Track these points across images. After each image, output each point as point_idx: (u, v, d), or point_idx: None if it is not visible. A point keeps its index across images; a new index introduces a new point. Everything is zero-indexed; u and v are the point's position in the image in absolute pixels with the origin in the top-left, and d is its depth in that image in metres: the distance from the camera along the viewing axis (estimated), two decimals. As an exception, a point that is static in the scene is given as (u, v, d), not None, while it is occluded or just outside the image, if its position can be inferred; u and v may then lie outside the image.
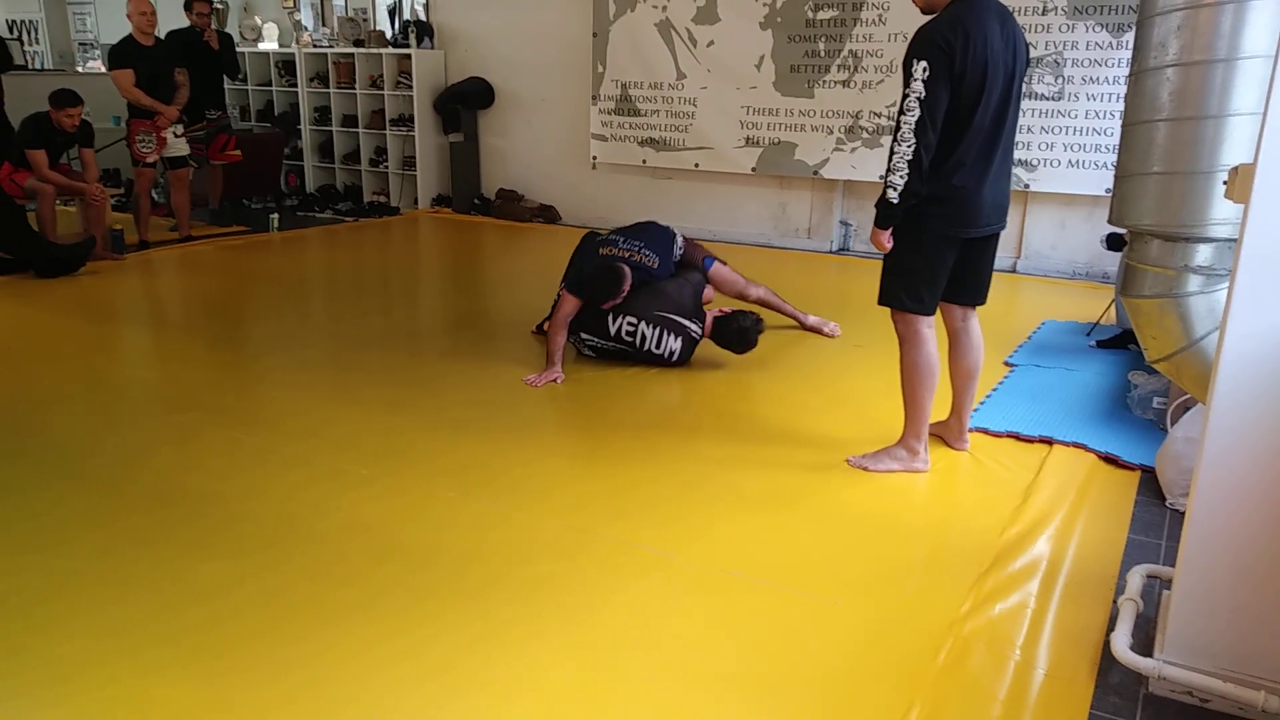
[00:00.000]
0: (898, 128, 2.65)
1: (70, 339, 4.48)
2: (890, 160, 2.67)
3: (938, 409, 3.09)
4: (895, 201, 2.69)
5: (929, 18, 2.71)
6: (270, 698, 1.89)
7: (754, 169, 7.01)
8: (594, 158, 7.76)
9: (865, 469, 3.02)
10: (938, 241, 2.81)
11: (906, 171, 2.64)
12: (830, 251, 6.92)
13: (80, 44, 10.55)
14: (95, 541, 2.50)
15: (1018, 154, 5.53)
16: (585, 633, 2.12)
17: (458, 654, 2.03)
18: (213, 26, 7.07)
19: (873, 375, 3.98)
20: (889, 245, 2.85)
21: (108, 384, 3.87)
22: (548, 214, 8.07)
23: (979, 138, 2.69)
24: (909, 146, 2.63)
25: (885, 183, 2.70)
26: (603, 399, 3.72)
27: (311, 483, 2.88)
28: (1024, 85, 2.84)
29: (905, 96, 2.62)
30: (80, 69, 10.05)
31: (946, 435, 3.21)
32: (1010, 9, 2.78)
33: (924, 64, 2.59)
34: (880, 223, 2.79)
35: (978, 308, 3.05)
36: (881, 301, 2.96)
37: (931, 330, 2.92)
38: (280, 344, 4.50)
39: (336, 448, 3.13)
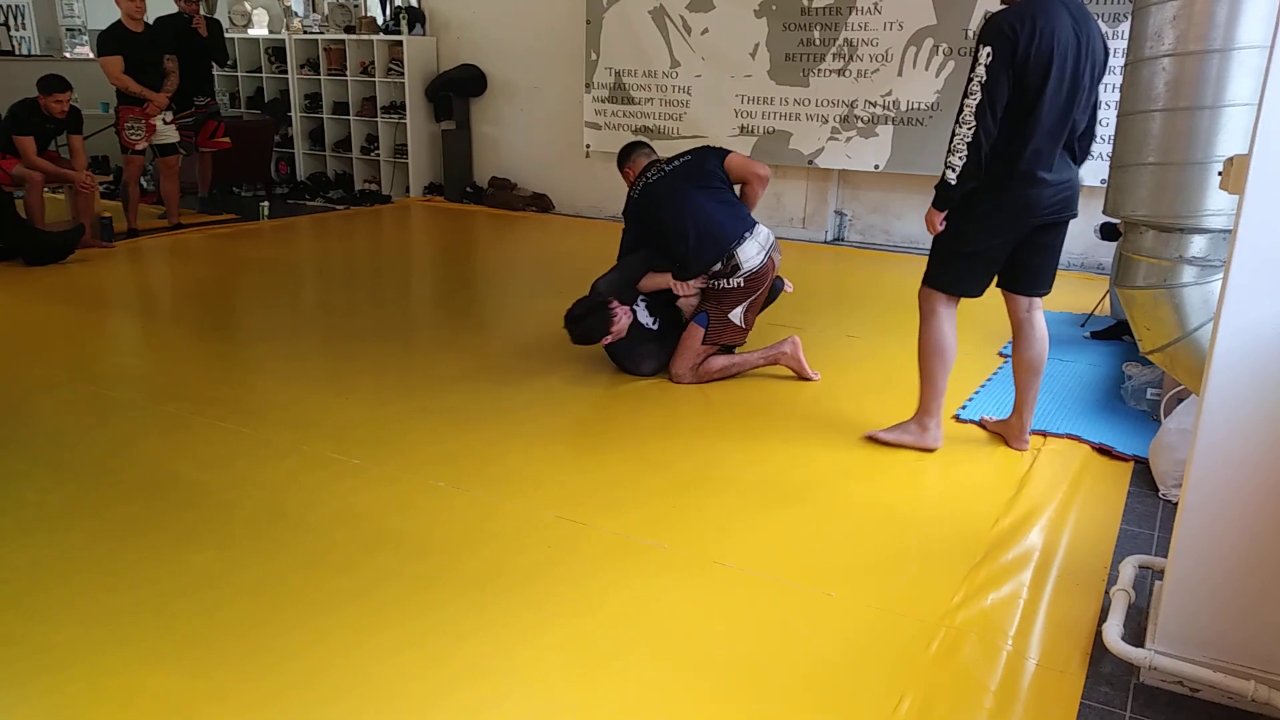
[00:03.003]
0: (960, 110, 2.70)
1: (58, 328, 4.45)
2: (951, 142, 2.71)
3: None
4: (954, 183, 2.72)
5: (1003, 7, 2.75)
6: (264, 688, 1.88)
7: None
8: (588, 146, 7.72)
9: (877, 439, 3.11)
10: (994, 228, 2.83)
11: (966, 153, 2.69)
12: (825, 241, 6.91)
13: (68, 29, 10.44)
14: (86, 530, 2.49)
15: None
16: (580, 623, 2.12)
17: (454, 645, 2.02)
18: (201, 12, 7.01)
19: (865, 367, 3.99)
20: (941, 227, 2.88)
21: (97, 373, 3.85)
22: (541, 203, 8.04)
23: (1045, 127, 2.71)
24: (969, 129, 2.67)
25: (945, 164, 2.74)
26: (596, 392, 3.71)
27: (303, 472, 2.87)
28: (1104, 80, 2.89)
29: (969, 80, 2.68)
30: (68, 55, 9.95)
31: (1006, 434, 3.17)
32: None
33: (988, 49, 2.64)
34: (938, 204, 2.82)
35: (1044, 297, 3.07)
36: (927, 280, 2.99)
37: (948, 311, 2.97)
38: (271, 333, 4.47)
39: (328, 437, 3.12)
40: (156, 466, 2.90)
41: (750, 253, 3.63)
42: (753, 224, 3.72)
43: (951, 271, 2.92)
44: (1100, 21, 5.48)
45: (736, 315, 3.67)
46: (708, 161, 3.86)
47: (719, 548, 2.46)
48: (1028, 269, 2.96)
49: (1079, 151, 2.89)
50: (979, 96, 2.65)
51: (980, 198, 2.78)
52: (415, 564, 2.34)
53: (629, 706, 1.85)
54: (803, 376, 3.77)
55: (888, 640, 2.08)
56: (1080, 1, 2.78)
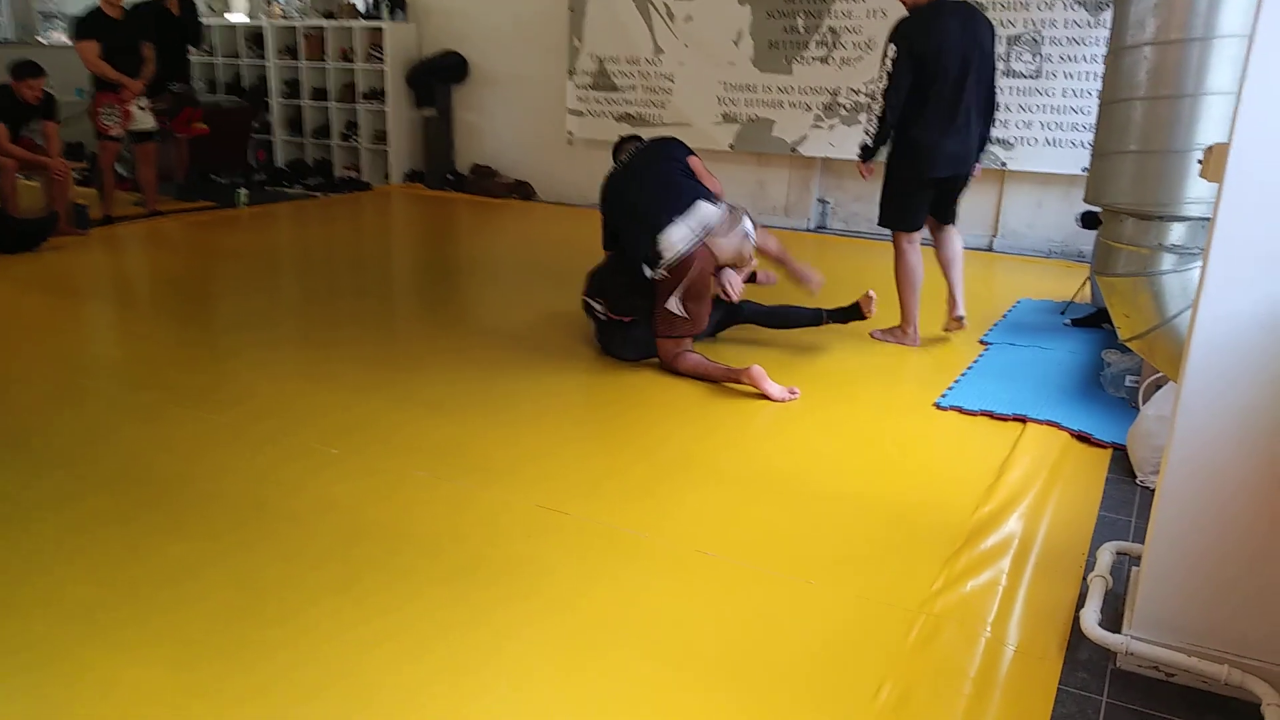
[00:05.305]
0: (876, 93, 3.74)
1: (32, 316, 4.39)
2: (869, 115, 3.79)
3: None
4: (870, 145, 3.82)
5: (906, 15, 3.74)
6: (243, 681, 1.86)
7: (731, 146, 6.97)
8: (570, 133, 7.69)
9: (875, 337, 4.09)
10: (910, 181, 3.87)
11: (876, 125, 3.75)
12: (808, 229, 6.91)
13: (42, 14, 10.26)
14: (61, 523, 2.46)
15: (994, 131, 5.86)
16: (562, 613, 2.11)
17: (435, 637, 2.01)
18: None
19: (848, 356, 3.99)
20: (868, 176, 3.99)
21: (71, 362, 3.80)
22: (522, 190, 8.00)
23: (939, 104, 3.70)
24: (879, 106, 3.72)
25: (864, 132, 3.83)
26: (577, 382, 3.70)
27: (282, 462, 2.84)
28: (1001, 64, 3.71)
29: (881, 70, 3.69)
30: (43, 40, 9.79)
31: (949, 308, 4.11)
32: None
33: (894, 47, 3.64)
34: (861, 159, 3.91)
35: (952, 226, 4.13)
36: (879, 222, 4.04)
37: (912, 245, 3.96)
38: (249, 322, 4.43)
39: (307, 427, 3.09)
40: (133, 457, 2.87)
41: (673, 239, 3.48)
42: (687, 204, 3.54)
43: (893, 212, 3.94)
44: (1081, 9, 5.61)
45: (673, 305, 3.52)
46: (669, 148, 3.89)
47: (700, 537, 2.45)
48: (941, 207, 4.02)
49: (984, 123, 3.89)
50: (885, 83, 3.66)
51: (902, 160, 3.83)
52: (396, 555, 2.33)
53: (611, 697, 1.85)
54: (769, 398, 3.40)
55: (868, 628, 2.09)
56: (967, 5, 3.77)
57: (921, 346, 4.08)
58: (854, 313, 3.86)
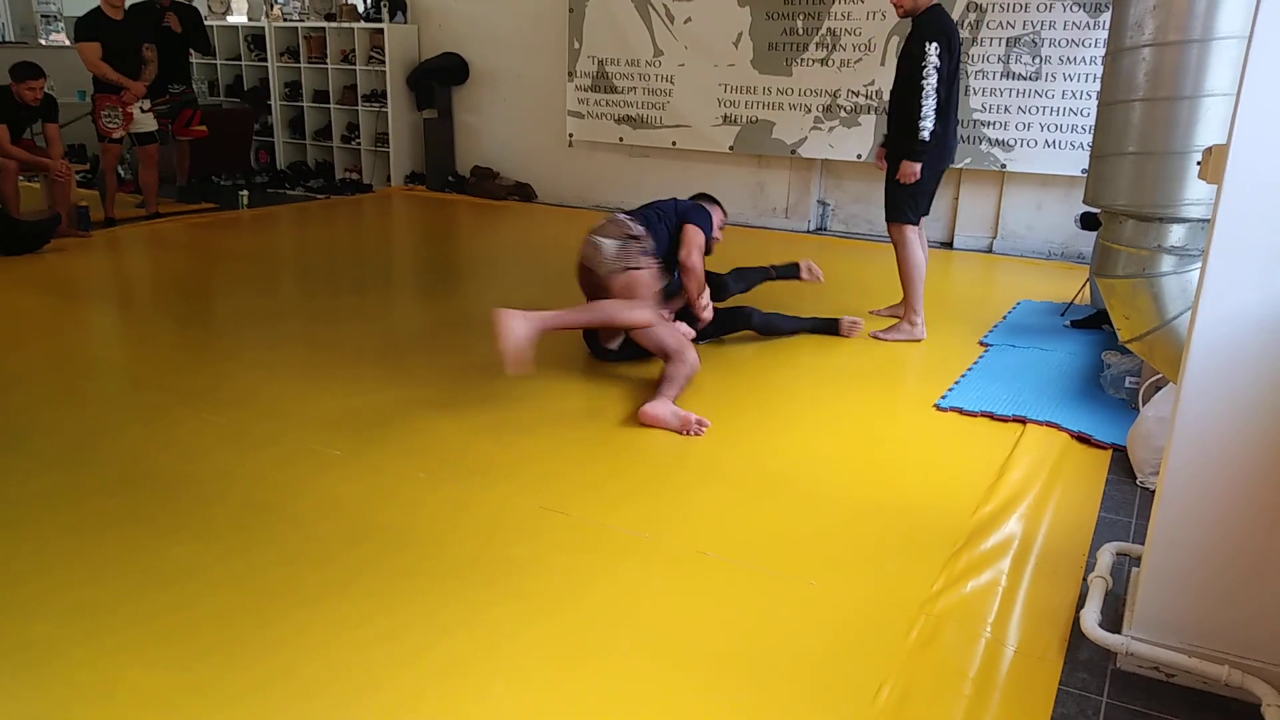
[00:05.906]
0: (921, 89, 3.84)
1: (34, 318, 4.39)
2: (921, 110, 3.87)
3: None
4: (927, 139, 3.89)
5: (909, 17, 3.96)
6: (245, 681, 1.86)
7: (731, 148, 6.98)
8: (570, 135, 7.69)
9: (880, 338, 4.12)
10: (927, 173, 4.02)
11: (934, 118, 3.85)
12: (807, 231, 6.91)
13: (43, 16, 10.28)
14: (63, 524, 2.46)
15: (994, 133, 6.08)
16: (562, 614, 2.11)
17: (436, 637, 2.01)
18: (170, 9, 6.90)
19: (847, 356, 3.99)
20: (918, 176, 3.98)
21: (73, 364, 3.81)
22: (523, 192, 8.01)
23: (948, 100, 3.93)
24: (934, 100, 3.84)
25: (919, 128, 3.88)
26: (577, 383, 3.70)
27: (283, 463, 2.85)
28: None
29: (924, 66, 3.83)
30: (43, 41, 9.81)
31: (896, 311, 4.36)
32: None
33: (935, 45, 3.80)
34: (915, 158, 3.96)
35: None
36: (889, 218, 4.12)
37: (918, 236, 4.10)
38: (250, 323, 4.43)
39: (308, 428, 3.10)
40: (135, 458, 2.87)
41: None
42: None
43: (911, 205, 4.06)
44: (1081, 11, 5.62)
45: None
46: (670, 210, 3.83)
47: (701, 537, 2.46)
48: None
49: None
50: (935, 77, 3.81)
51: (920, 154, 3.97)
52: (397, 556, 2.33)
53: (611, 698, 1.85)
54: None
55: (868, 628, 2.09)
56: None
57: (922, 348, 4.09)
58: (831, 328, 4.19)
